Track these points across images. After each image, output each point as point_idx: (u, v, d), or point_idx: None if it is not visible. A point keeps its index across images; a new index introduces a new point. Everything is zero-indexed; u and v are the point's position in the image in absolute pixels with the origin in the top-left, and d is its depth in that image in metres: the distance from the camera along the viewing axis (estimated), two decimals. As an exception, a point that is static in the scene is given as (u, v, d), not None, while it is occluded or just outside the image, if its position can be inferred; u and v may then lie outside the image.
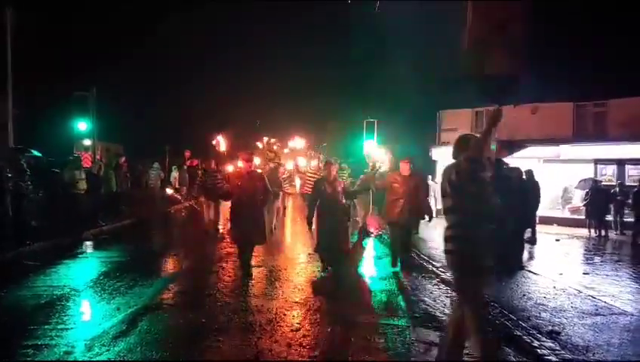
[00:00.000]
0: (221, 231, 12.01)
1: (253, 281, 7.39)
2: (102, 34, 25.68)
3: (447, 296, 6.79)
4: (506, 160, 10.19)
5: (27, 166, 9.80)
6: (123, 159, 16.83)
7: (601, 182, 15.85)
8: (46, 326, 5.14)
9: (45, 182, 10.55)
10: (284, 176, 13.98)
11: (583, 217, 15.63)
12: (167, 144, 24.30)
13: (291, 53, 53.59)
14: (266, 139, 36.68)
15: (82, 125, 14.69)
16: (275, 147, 33.14)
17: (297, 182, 16.13)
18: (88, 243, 10.84)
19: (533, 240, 11.69)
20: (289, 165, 22.40)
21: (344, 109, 32.88)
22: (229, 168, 19.00)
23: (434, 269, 8.46)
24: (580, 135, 17.97)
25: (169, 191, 19.81)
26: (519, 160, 15.30)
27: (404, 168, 8.20)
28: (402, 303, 6.42)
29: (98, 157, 15.76)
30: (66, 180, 11.59)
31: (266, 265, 8.54)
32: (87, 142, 16.45)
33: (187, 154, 21.39)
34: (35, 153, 10.58)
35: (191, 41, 38.80)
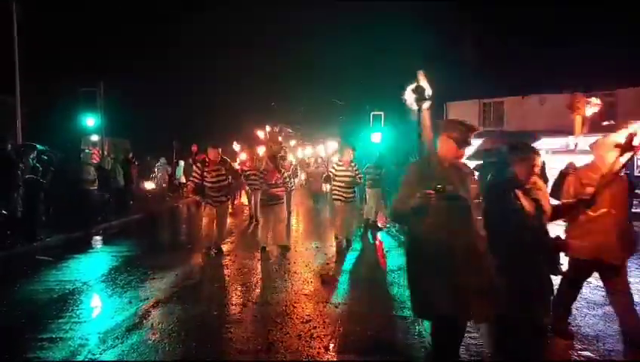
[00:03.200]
0: (223, 250, 9.10)
1: (262, 275, 7.45)
2: (109, 29, 25.78)
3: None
4: None
5: (38, 161, 9.89)
6: (130, 154, 16.92)
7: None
8: (60, 320, 5.22)
9: (57, 177, 10.61)
10: (288, 173, 11.44)
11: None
12: (174, 139, 24.36)
13: (295, 44, 53.58)
14: (268, 128, 30.89)
15: (90, 121, 14.73)
16: (279, 138, 29.84)
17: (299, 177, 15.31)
18: (98, 237, 10.95)
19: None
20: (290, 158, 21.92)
21: (347, 101, 32.91)
22: (243, 156, 16.19)
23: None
24: (589, 126, 17.85)
25: (149, 185, 17.22)
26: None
27: (606, 160, 4.23)
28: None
29: (106, 152, 15.81)
30: (78, 175, 11.65)
31: (274, 258, 8.57)
32: (95, 137, 16.53)
33: (194, 148, 21.46)
34: (41, 147, 10.57)
35: (198, 35, 38.90)
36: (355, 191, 9.89)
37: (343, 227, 9.55)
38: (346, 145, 10.46)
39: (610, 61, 16.43)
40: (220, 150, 8.85)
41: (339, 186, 9.46)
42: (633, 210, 15.15)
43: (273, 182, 9.19)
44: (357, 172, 9.53)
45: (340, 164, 9.57)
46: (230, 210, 11.48)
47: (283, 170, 9.69)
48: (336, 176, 9.53)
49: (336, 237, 9.62)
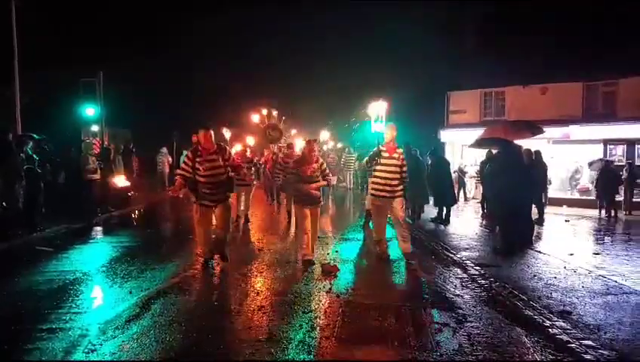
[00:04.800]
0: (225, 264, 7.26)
1: (263, 266, 7.44)
2: (108, 19, 25.61)
3: (457, 278, 6.79)
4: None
5: (35, 152, 9.84)
6: (131, 145, 16.90)
7: (613, 162, 15.75)
8: (60, 311, 5.20)
9: (56, 167, 10.58)
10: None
11: (593, 198, 15.58)
12: (175, 129, 24.27)
13: (294, 31, 53.33)
14: (265, 111, 25.50)
15: (90, 111, 14.66)
16: (281, 124, 26.87)
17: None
18: (99, 228, 10.93)
19: (540, 221, 11.68)
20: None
21: (347, 91, 32.72)
22: (238, 147, 16.46)
23: (444, 251, 8.48)
24: (590, 115, 17.79)
25: (120, 181, 14.00)
26: (528, 140, 15.27)
27: None
28: (414, 285, 6.43)
29: (106, 143, 15.77)
30: (78, 165, 11.60)
31: (276, 248, 8.56)
32: (95, 128, 16.48)
33: (194, 138, 21.38)
34: (38, 137, 10.49)
35: (199, 23, 38.65)
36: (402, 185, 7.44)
37: (383, 232, 7.78)
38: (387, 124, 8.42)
39: (612, 49, 16.27)
40: (212, 133, 6.85)
41: (381, 177, 7.38)
42: (634, 199, 15.18)
43: (309, 174, 7.24)
44: (403, 162, 7.41)
45: (383, 149, 7.43)
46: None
47: (321, 161, 7.60)
48: (378, 164, 7.40)
49: (380, 247, 7.82)
